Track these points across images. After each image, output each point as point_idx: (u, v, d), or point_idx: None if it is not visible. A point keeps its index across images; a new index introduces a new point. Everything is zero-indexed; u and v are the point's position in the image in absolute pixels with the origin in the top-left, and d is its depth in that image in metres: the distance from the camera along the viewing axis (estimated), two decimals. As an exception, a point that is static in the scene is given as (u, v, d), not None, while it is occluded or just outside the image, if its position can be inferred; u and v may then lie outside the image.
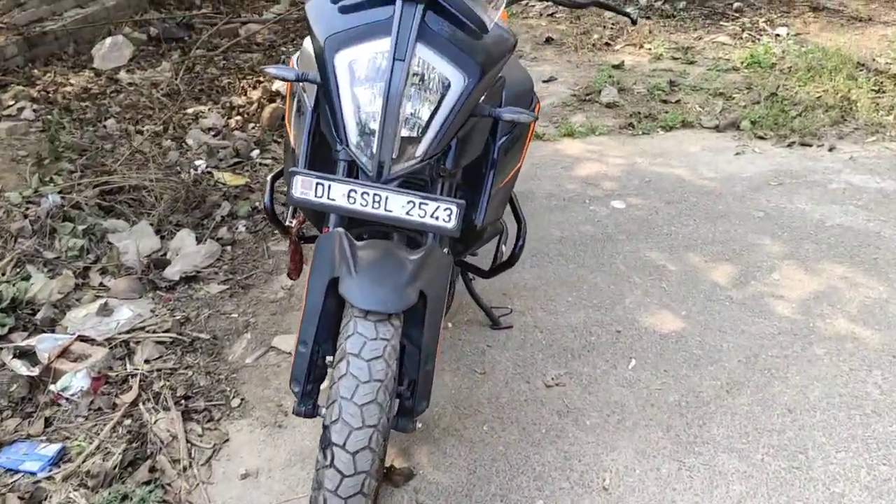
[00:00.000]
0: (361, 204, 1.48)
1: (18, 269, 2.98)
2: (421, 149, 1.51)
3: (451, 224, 1.49)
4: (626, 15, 1.91)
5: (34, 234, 3.15)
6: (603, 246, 3.11)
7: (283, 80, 1.60)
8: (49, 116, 4.14)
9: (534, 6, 6.75)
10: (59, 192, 3.44)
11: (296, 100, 1.83)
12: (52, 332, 2.64)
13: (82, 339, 2.59)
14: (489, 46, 1.53)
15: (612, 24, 6.10)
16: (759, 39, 5.55)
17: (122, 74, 5.59)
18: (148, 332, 2.66)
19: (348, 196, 1.48)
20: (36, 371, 2.39)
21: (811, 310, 2.66)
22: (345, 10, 1.52)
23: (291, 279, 2.25)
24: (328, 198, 1.49)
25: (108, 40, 5.90)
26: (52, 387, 2.36)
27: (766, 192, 3.50)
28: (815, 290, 2.77)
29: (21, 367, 2.40)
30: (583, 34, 5.93)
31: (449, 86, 1.49)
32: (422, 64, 1.48)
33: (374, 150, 1.48)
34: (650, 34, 5.84)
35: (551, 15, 6.46)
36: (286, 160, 1.87)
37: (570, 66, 5.37)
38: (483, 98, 1.62)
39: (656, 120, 4.37)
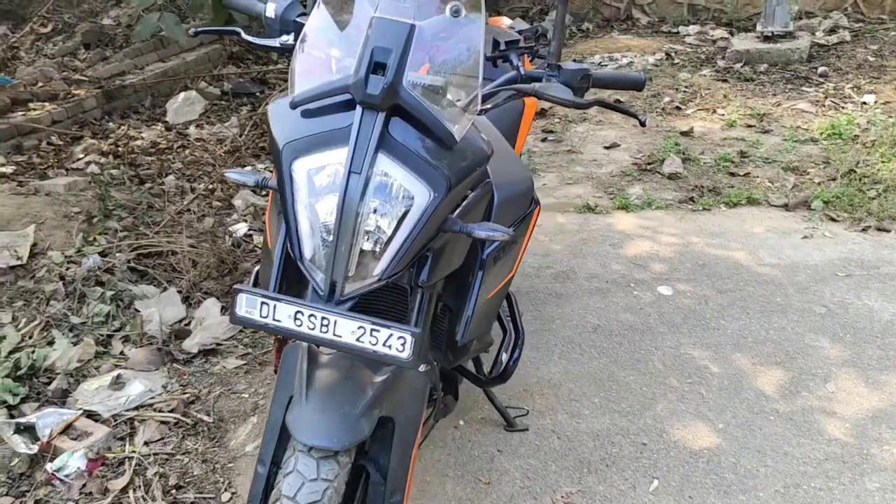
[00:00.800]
0: (308, 327, 1.35)
1: (45, 334, 2.99)
2: (379, 268, 1.38)
3: (405, 354, 1.34)
4: (634, 116, 1.74)
5: (66, 297, 3.18)
6: (641, 339, 2.89)
7: (244, 185, 1.51)
8: (101, 175, 4.23)
9: (605, 65, 6.59)
10: (101, 253, 3.48)
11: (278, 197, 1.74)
12: (64, 403, 2.62)
13: (89, 414, 2.55)
14: (459, 158, 1.39)
15: (686, 87, 5.87)
16: (842, 108, 5.20)
17: (192, 129, 5.72)
18: (154, 409, 2.60)
19: (294, 318, 1.36)
20: (35, 448, 2.36)
21: (867, 432, 2.36)
22: (307, 114, 1.41)
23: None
24: (273, 319, 1.37)
25: (182, 95, 6.07)
26: (48, 465, 2.32)
27: (831, 285, 3.20)
28: (875, 407, 2.47)
29: (20, 444, 2.37)
30: (653, 97, 5.72)
31: (412, 200, 1.36)
32: (383, 176, 1.35)
33: (326, 268, 1.36)
34: (725, 98, 5.57)
35: (623, 76, 6.27)
36: (263, 261, 1.77)
37: (635, 131, 5.16)
38: (462, 210, 1.48)
39: (720, 195, 4.10)
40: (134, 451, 2.39)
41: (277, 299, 1.36)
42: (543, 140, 5.14)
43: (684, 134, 4.99)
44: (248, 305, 1.38)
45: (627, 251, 3.58)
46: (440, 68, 1.39)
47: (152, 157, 5.19)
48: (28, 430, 2.43)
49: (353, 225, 1.33)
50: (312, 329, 1.35)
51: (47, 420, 2.45)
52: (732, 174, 4.37)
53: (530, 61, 1.81)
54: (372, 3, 1.38)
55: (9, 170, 4.86)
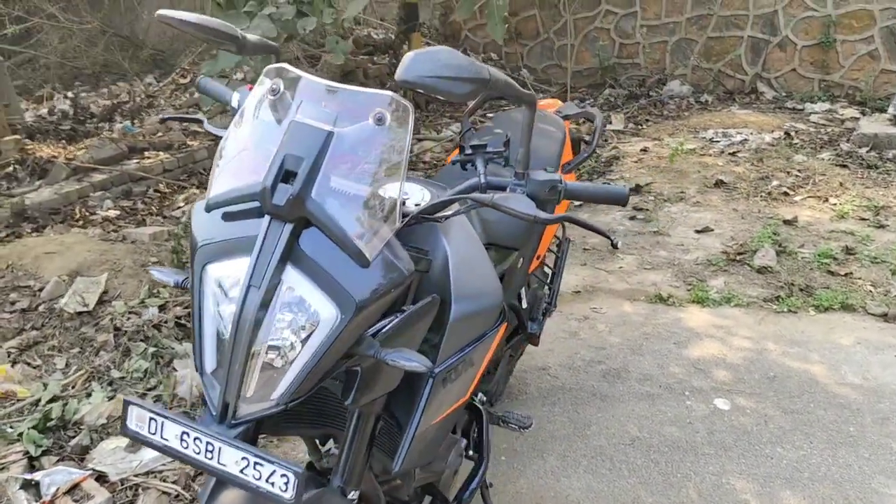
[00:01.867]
0: (195, 451, 1.26)
1: (87, 385, 3.08)
2: (278, 392, 1.26)
3: (288, 495, 1.21)
4: (606, 236, 1.55)
5: (115, 349, 3.27)
6: (682, 459, 2.60)
7: (165, 284, 1.45)
8: (178, 226, 4.37)
9: (717, 141, 6.25)
10: (161, 307, 3.58)
11: None
12: (82, 459, 2.66)
13: (99, 475, 2.57)
14: (372, 277, 1.26)
15: (799, 170, 5.45)
16: (978, 205, 4.65)
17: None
18: (160, 478, 2.58)
19: (181, 439, 1.27)
20: (35, 508, 2.39)
21: None
22: (226, 216, 1.33)
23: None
24: (161, 437, 1.28)
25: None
26: (45, 527, 2.34)
27: (920, 417, 2.78)
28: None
29: (22, 501, 2.41)
30: (760, 179, 5.34)
31: (318, 320, 1.24)
32: (290, 290, 1.25)
33: (219, 388, 1.26)
34: (840, 186, 5.12)
35: (733, 154, 5.92)
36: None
37: (733, 215, 4.82)
38: (393, 327, 1.35)
39: (811, 296, 3.72)
40: (127, 521, 2.37)
41: (165, 416, 1.28)
42: (631, 218, 4.90)
43: (787, 223, 4.61)
44: (139, 419, 1.30)
45: (691, 352, 3.28)
46: (359, 179, 1.27)
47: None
48: (35, 486, 2.48)
49: (246, 342, 1.23)
50: (198, 454, 1.26)
51: (55, 478, 2.48)
52: (831, 273, 3.96)
53: (503, 166, 1.67)
54: (295, 105, 1.30)
55: (113, 214, 5.17)
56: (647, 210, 5.01)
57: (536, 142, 2.45)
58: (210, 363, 1.30)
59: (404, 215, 1.51)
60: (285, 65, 1.35)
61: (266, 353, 1.26)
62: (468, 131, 2.66)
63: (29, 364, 3.28)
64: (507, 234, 2.13)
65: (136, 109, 7.63)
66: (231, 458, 1.24)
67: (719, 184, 5.33)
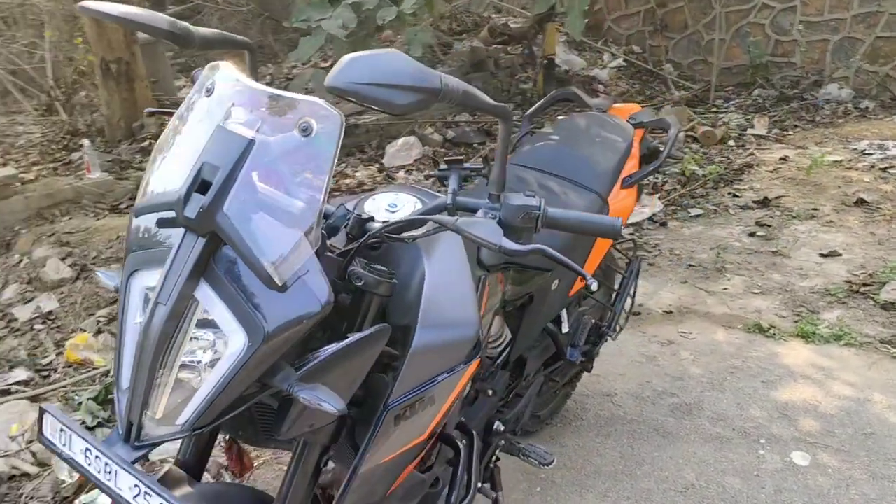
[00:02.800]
0: (96, 469, 1.21)
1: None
2: (184, 416, 1.19)
3: None
4: (581, 274, 1.34)
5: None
6: (737, 517, 2.32)
7: (107, 288, 1.40)
8: None
9: (869, 154, 5.60)
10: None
11: None
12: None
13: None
14: (288, 306, 1.15)
15: (960, 192, 4.78)
16: None
17: (400, 174, 5.88)
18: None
19: (85, 455, 1.22)
20: (75, 478, 2.48)
21: None
22: (161, 223, 1.25)
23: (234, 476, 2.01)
24: (69, 450, 1.25)
25: (402, 139, 6.27)
26: (79, 499, 2.43)
27: None
28: None
29: (63, 471, 2.52)
30: (909, 202, 4.73)
31: (227, 345, 1.15)
32: (202, 310, 1.16)
33: (124, 406, 1.20)
34: None
35: (884, 170, 5.28)
36: None
37: (869, 240, 4.29)
38: (340, 353, 1.24)
39: (942, 343, 3.23)
40: None
41: (72, 430, 1.24)
42: (751, 234, 4.48)
43: (932, 253, 4.04)
44: (52, 428, 1.28)
45: (780, 394, 2.93)
46: (277, 193, 1.16)
47: (353, 197, 5.39)
48: (80, 458, 2.58)
49: (149, 360, 1.16)
50: (99, 473, 1.21)
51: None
52: (974, 318, 3.42)
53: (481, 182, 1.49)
54: (225, 108, 1.20)
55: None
56: (771, 227, 4.57)
57: (592, 151, 2.24)
58: (126, 378, 1.24)
59: (365, 233, 1.39)
60: (224, 63, 1.26)
61: (177, 373, 1.18)
62: (525, 136, 2.49)
63: (112, 334, 3.45)
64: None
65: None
66: (126, 483, 1.18)
67: (860, 202, 4.77)
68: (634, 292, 2.73)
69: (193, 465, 1.49)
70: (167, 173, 1.24)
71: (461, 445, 1.63)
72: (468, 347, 1.47)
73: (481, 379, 1.99)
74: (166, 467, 1.47)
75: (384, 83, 1.08)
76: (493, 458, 2.11)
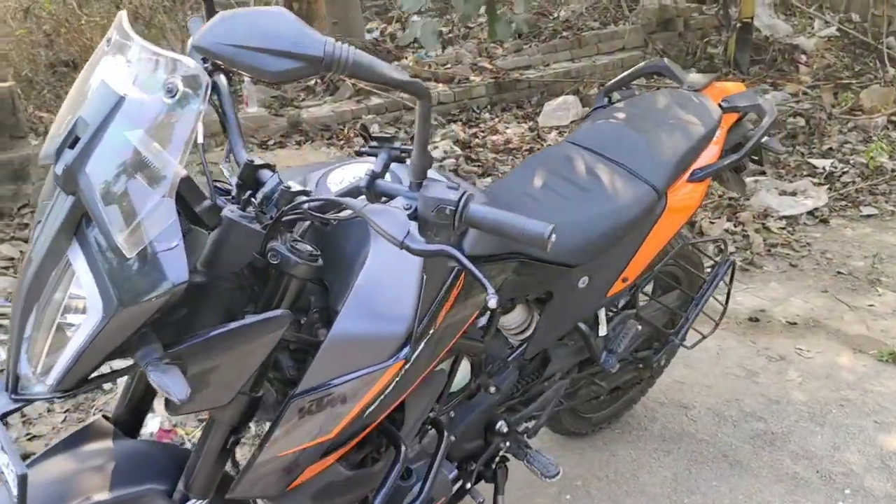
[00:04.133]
0: None
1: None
2: (51, 377, 1.15)
3: (15, 493, 1.12)
4: (484, 286, 1.12)
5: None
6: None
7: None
8: None
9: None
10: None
11: None
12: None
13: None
14: (136, 281, 1.07)
15: None
16: None
17: (552, 135, 5.64)
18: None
19: None
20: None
21: None
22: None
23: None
24: None
25: (560, 98, 6.00)
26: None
27: None
28: None
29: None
30: None
31: (87, 312, 1.10)
32: (72, 271, 1.12)
33: (8, 359, 1.20)
34: None
35: None
36: None
37: None
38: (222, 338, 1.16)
39: None
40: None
41: None
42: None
43: None
44: None
45: (890, 441, 2.47)
46: (139, 157, 1.07)
47: (497, 155, 5.27)
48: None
49: (19, 317, 1.15)
50: None
51: (151, 424, 2.68)
52: None
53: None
54: (114, 62, 1.13)
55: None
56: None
57: (658, 135, 1.96)
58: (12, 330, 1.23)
59: (288, 207, 1.27)
60: (122, 13, 1.18)
61: (53, 332, 1.15)
62: (596, 110, 2.23)
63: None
64: (558, 246, 1.73)
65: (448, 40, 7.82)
66: None
67: None
68: (727, 299, 2.40)
69: (127, 420, 1.48)
70: (61, 123, 1.20)
71: (403, 447, 1.50)
72: (393, 345, 1.32)
73: (488, 374, 1.83)
74: (91, 419, 1.47)
75: (256, 46, 0.96)
76: (497, 458, 1.95)
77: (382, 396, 1.37)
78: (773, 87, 6.42)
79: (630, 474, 2.38)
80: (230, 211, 1.21)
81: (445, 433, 1.67)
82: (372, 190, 1.22)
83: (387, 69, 1.05)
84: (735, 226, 4.07)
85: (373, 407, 1.36)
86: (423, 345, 1.39)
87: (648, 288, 2.28)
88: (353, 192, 1.26)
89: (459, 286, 1.46)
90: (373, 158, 1.32)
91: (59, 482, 1.27)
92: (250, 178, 1.31)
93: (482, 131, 5.69)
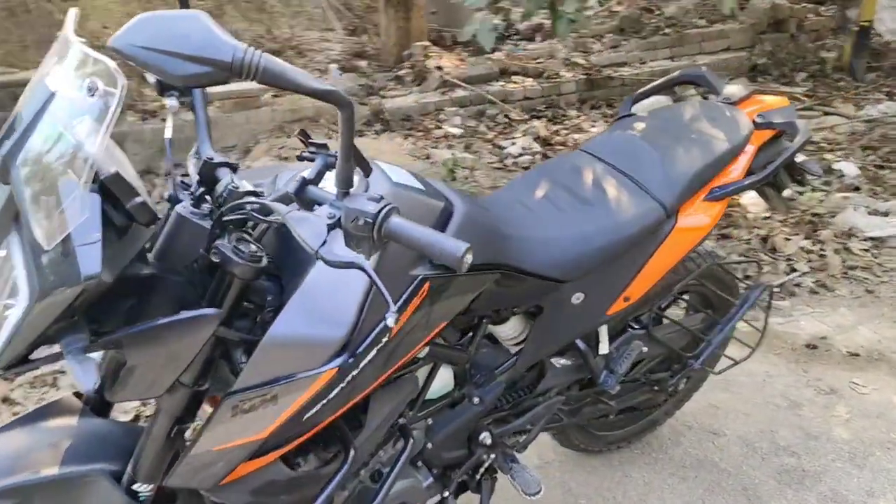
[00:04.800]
0: None
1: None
2: None
3: None
4: (386, 302, 1.09)
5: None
6: None
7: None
8: (452, 157, 4.39)
9: None
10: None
11: None
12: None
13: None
14: (53, 271, 1.11)
15: None
16: None
17: (637, 135, 5.47)
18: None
19: None
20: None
21: None
22: None
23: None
24: None
25: (652, 98, 5.78)
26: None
27: None
28: None
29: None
30: None
31: (17, 298, 1.16)
32: (7, 256, 1.19)
33: None
34: None
35: None
36: None
37: None
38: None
39: None
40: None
41: None
42: None
43: None
44: None
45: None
46: (61, 152, 1.11)
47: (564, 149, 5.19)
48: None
49: None
50: None
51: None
52: None
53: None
54: (60, 59, 1.18)
55: (456, 132, 5.43)
56: None
57: (675, 149, 1.88)
58: None
59: (227, 207, 1.28)
60: (72, 10, 1.22)
61: (1, 309, 1.22)
62: (621, 118, 2.15)
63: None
64: (546, 259, 1.68)
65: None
66: None
67: None
68: (765, 326, 2.27)
69: (99, 399, 1.54)
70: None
71: (353, 451, 1.50)
72: (329, 351, 1.31)
73: (475, 384, 1.81)
74: (58, 396, 1.54)
75: (165, 49, 0.98)
76: (484, 470, 1.92)
77: (324, 401, 1.37)
78: (889, 97, 5.97)
79: (638, 498, 2.29)
80: (182, 207, 1.25)
81: (411, 440, 1.66)
82: (302, 196, 1.22)
83: (301, 77, 1.04)
84: (813, 244, 3.82)
85: (313, 411, 1.37)
86: (374, 353, 1.38)
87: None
88: (284, 197, 1.26)
89: (423, 295, 1.44)
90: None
91: (10, 456, 1.35)
92: (209, 175, 1.34)
93: (566, 129, 5.58)
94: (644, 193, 1.81)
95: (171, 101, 1.38)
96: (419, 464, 1.78)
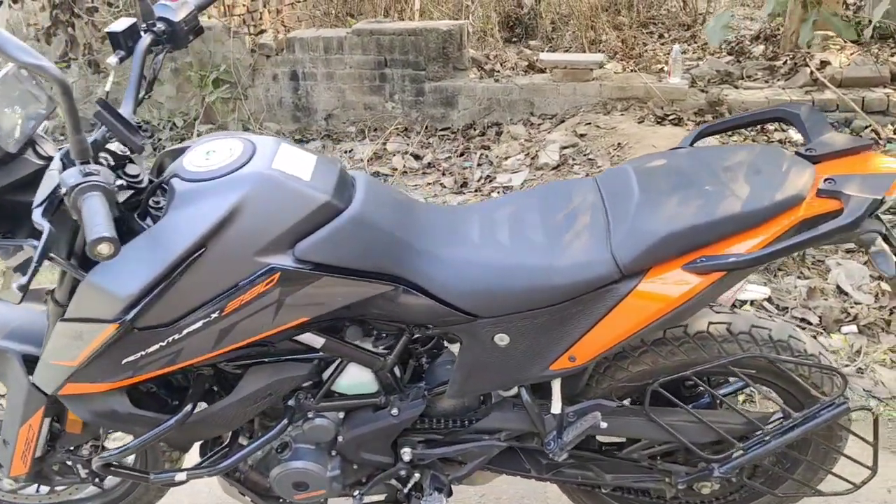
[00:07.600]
0: None
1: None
2: None
3: None
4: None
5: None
6: None
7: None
8: None
9: None
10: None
11: None
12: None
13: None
14: None
15: None
16: None
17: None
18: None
19: None
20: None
21: None
22: None
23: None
24: None
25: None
26: None
27: None
28: None
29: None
30: None
31: None
32: None
33: None
34: None
35: None
36: None
37: None
38: None
39: None
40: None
41: None
42: None
43: None
44: None
45: None
46: None
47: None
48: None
49: None
50: None
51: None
52: None
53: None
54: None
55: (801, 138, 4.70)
56: None
57: (680, 196, 1.59)
58: None
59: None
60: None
61: None
62: (673, 149, 1.77)
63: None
64: (453, 285, 1.54)
65: None
66: None
67: None
68: (874, 461, 1.70)
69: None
70: None
71: (189, 406, 1.60)
72: (120, 305, 1.40)
73: (399, 396, 1.74)
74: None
75: None
76: (411, 486, 1.84)
77: (143, 353, 1.45)
78: None
79: None
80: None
81: (285, 420, 1.69)
82: (63, 160, 1.35)
83: (14, 49, 1.15)
84: None
85: (130, 358, 1.45)
86: (199, 324, 1.44)
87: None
88: (65, 156, 1.39)
89: (269, 284, 1.44)
90: (225, 133, 1.42)
91: None
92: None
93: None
94: (606, 241, 1.50)
95: (112, 59, 1.60)
96: (333, 452, 1.79)
